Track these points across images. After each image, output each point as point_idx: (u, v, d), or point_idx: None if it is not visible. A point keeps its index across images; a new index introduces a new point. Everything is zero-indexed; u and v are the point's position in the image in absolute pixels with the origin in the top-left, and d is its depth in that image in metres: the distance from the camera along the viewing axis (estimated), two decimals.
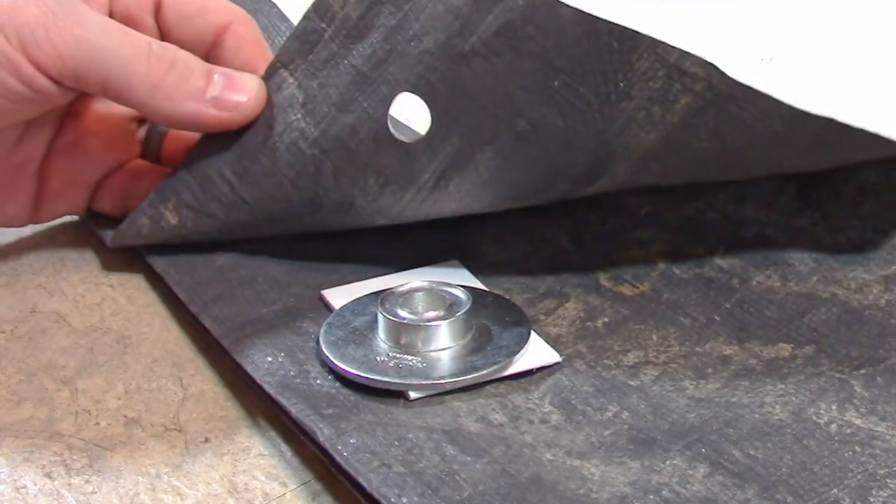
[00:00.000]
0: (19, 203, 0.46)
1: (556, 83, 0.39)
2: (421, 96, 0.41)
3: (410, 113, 0.49)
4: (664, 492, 0.34)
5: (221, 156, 0.44)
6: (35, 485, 0.36)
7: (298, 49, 0.43)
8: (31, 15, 0.41)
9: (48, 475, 0.37)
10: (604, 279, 0.45)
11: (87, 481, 0.37)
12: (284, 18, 0.58)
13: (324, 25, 0.42)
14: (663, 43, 0.37)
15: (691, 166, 0.42)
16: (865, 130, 0.38)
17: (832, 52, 0.43)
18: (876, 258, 0.44)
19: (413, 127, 0.49)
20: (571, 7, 0.38)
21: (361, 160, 0.42)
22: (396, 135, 0.42)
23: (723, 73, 0.37)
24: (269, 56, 0.45)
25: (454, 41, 0.40)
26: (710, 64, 0.37)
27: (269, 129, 0.43)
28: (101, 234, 0.48)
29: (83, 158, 0.47)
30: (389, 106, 0.41)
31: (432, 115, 0.41)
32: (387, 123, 0.41)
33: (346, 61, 0.42)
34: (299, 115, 0.43)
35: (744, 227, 0.46)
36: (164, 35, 0.47)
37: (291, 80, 0.43)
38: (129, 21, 0.45)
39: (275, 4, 0.59)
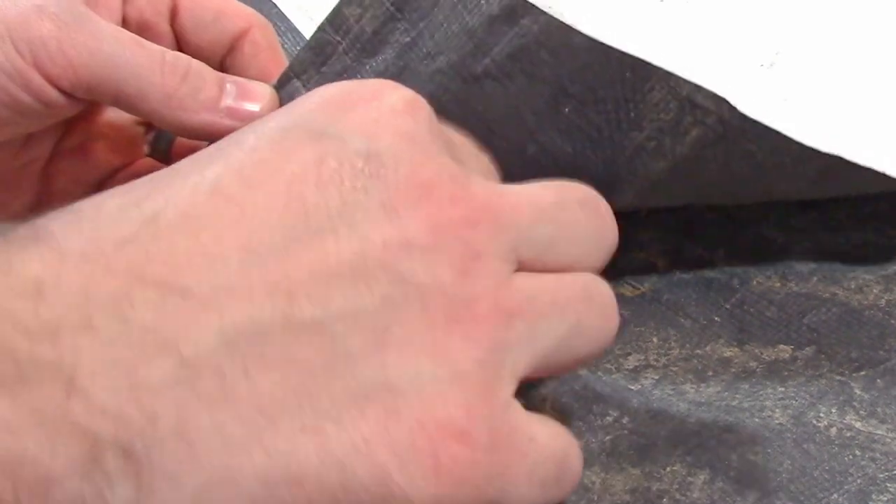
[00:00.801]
0: (22, 201, 0.46)
1: (567, 109, 0.39)
2: None
3: None
4: (664, 500, 0.34)
5: None
6: None
7: (312, 60, 0.43)
8: (44, 29, 0.40)
9: None
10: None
11: None
12: (284, 18, 0.58)
13: (338, 38, 0.42)
14: (676, 76, 0.38)
15: (697, 194, 0.42)
16: (873, 169, 0.38)
17: (834, 58, 0.42)
18: (876, 258, 0.44)
19: None
20: (584, 34, 0.38)
21: None
22: None
23: (734, 107, 0.38)
24: (285, 63, 0.45)
25: (467, 62, 0.40)
26: (722, 99, 0.38)
27: None
28: None
29: (88, 160, 0.47)
30: None
31: None
32: None
33: (358, 76, 0.42)
34: None
35: (744, 227, 0.46)
36: (179, 41, 0.46)
37: (304, 91, 0.43)
38: (143, 27, 0.45)
39: (275, 5, 0.59)
